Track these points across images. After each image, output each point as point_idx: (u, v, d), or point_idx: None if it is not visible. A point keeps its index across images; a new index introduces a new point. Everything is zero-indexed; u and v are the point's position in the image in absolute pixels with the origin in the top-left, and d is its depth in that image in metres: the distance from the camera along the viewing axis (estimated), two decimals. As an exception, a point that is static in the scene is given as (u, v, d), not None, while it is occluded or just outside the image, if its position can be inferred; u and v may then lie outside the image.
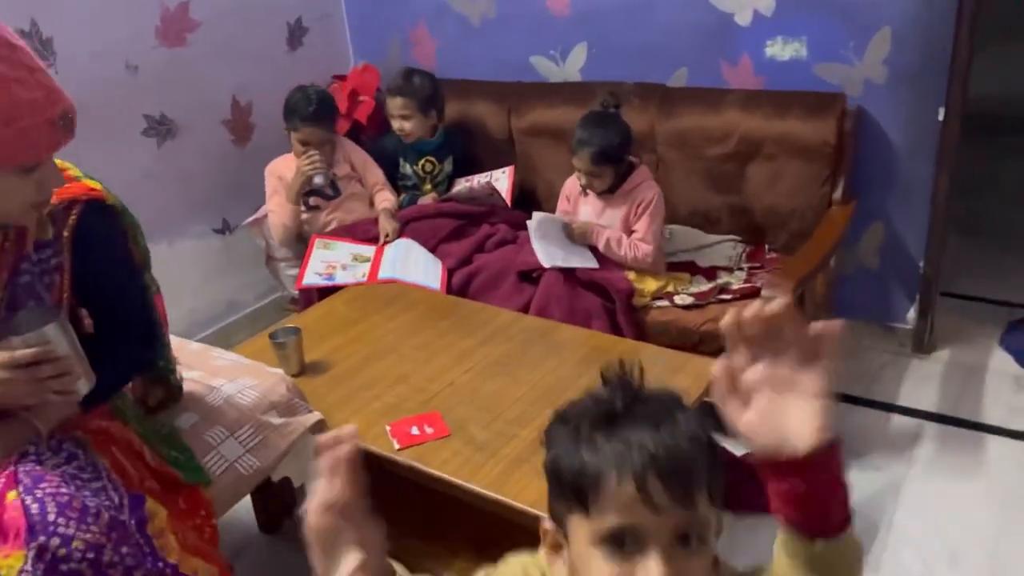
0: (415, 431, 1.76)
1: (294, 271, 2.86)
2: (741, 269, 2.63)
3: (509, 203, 2.95)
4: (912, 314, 2.82)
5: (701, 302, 2.42)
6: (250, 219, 3.00)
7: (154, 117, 2.87)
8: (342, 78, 3.45)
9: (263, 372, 1.79)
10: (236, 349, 2.15)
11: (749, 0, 2.67)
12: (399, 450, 1.71)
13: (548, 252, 2.47)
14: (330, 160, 2.88)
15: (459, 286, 2.62)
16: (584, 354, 2.04)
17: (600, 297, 2.43)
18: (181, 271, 3.06)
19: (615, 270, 2.48)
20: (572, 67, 3.10)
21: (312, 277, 2.61)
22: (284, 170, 2.85)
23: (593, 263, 2.50)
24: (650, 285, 2.50)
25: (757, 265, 2.64)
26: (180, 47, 2.91)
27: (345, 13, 3.55)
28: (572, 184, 2.62)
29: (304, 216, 2.90)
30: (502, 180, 3.02)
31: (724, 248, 2.74)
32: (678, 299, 2.46)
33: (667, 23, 2.84)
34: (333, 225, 2.91)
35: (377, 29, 3.51)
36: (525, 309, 2.48)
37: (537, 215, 2.58)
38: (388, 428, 1.77)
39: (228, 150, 3.16)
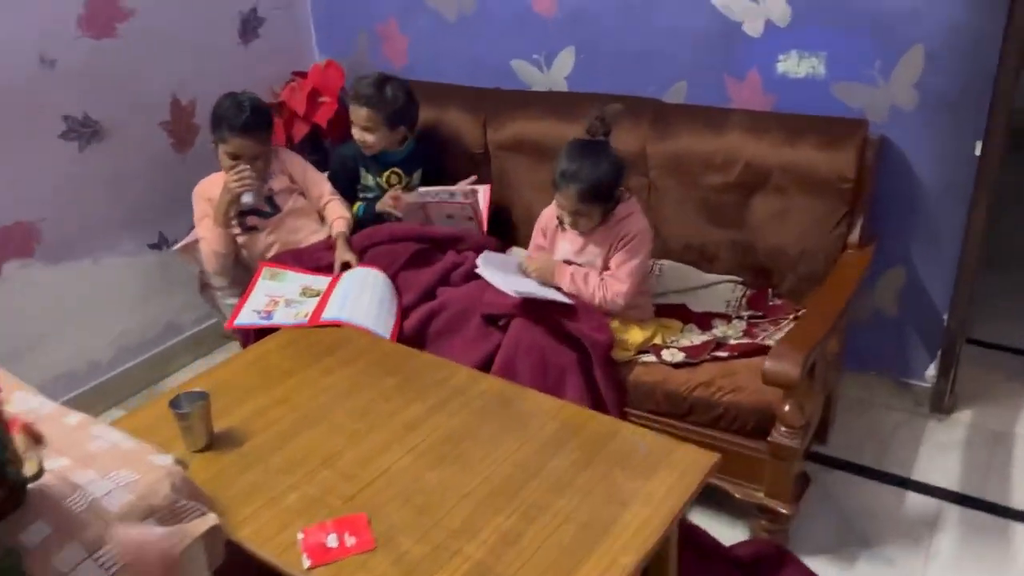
0: (332, 542, 1.42)
1: (233, 300, 2.51)
2: (740, 318, 2.29)
3: (484, 228, 2.60)
4: (932, 371, 2.49)
5: (693, 359, 2.08)
6: (180, 244, 2.64)
7: (75, 118, 2.50)
8: (303, 75, 3.09)
9: (145, 462, 1.44)
10: (130, 416, 1.82)
11: (761, 8, 2.32)
12: (310, 569, 1.38)
13: (515, 283, 2.13)
14: (263, 174, 2.52)
15: (417, 326, 2.27)
16: (552, 432, 1.70)
17: (576, 350, 2.09)
18: (108, 291, 2.71)
19: (596, 316, 2.13)
20: (558, 74, 2.74)
21: (248, 315, 2.25)
22: (214, 191, 2.49)
23: (559, 296, 2.15)
24: (635, 336, 2.16)
25: (759, 314, 2.30)
26: (108, 38, 2.54)
27: (309, 2, 3.18)
28: (549, 216, 2.27)
29: (241, 240, 2.55)
30: (478, 200, 2.66)
31: (722, 290, 2.40)
32: (666, 354, 2.12)
33: (666, 30, 2.48)
34: (275, 248, 2.56)
35: (343, 22, 3.14)
36: (490, 358, 2.15)
37: (482, 259, 2.25)
38: (300, 537, 1.43)
39: (167, 156, 2.80)
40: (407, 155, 2.68)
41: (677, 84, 2.53)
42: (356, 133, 2.61)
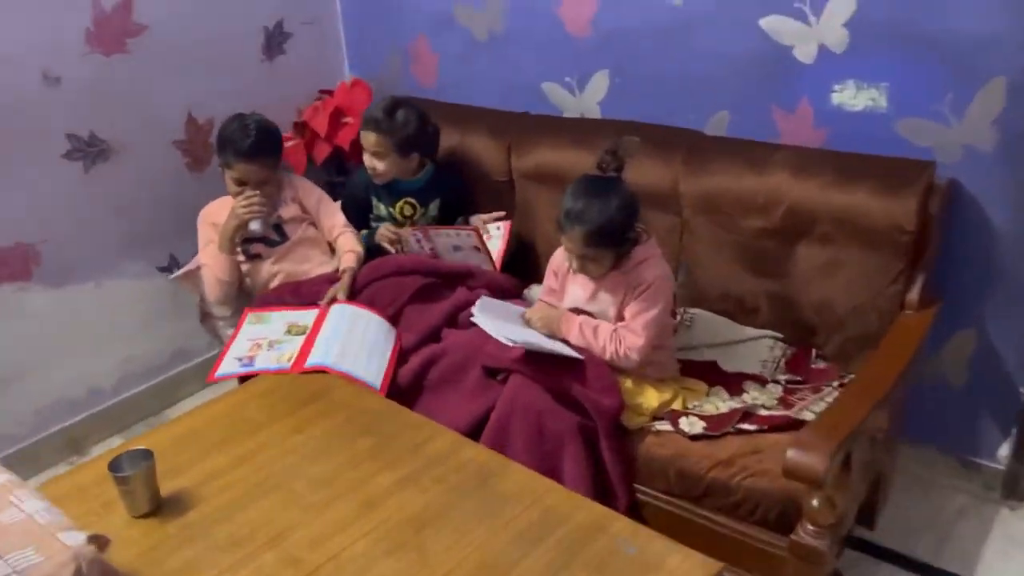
0: (250, 650, 1.23)
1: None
2: (776, 382, 2.01)
3: (498, 266, 2.40)
4: (1005, 450, 2.15)
5: (714, 433, 1.82)
6: (180, 271, 2.52)
7: (80, 137, 2.41)
8: (331, 94, 2.95)
9: (53, 541, 1.28)
10: (74, 472, 1.69)
11: (814, 31, 2.05)
12: None
13: (513, 332, 1.90)
14: (274, 201, 2.38)
15: (417, 371, 2.07)
16: (531, 521, 1.48)
17: (578, 414, 1.85)
18: (112, 315, 2.61)
19: (605, 376, 1.89)
20: (590, 99, 2.52)
21: (230, 364, 2.07)
22: (221, 216, 2.36)
23: (568, 350, 1.92)
24: (650, 399, 1.91)
25: (798, 379, 2.02)
26: (119, 54, 2.44)
27: (341, 17, 3.04)
28: (562, 256, 2.04)
29: (244, 268, 2.41)
30: (496, 238, 2.46)
31: (759, 347, 2.13)
32: (684, 423, 1.86)
33: (708, 54, 2.23)
34: (280, 278, 2.41)
35: (374, 38, 2.99)
36: (488, 415, 1.93)
37: (479, 305, 2.01)
38: (215, 640, 1.25)
39: (180, 175, 2.69)
40: (423, 184, 2.50)
41: (719, 114, 2.28)
42: (366, 159, 2.44)
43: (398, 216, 2.52)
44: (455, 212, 2.56)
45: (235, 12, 2.70)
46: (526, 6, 2.54)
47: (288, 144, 2.84)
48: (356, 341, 2.08)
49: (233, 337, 2.17)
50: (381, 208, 2.53)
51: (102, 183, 2.48)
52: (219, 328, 2.52)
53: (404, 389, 2.05)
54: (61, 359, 2.51)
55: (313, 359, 2.00)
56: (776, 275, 2.12)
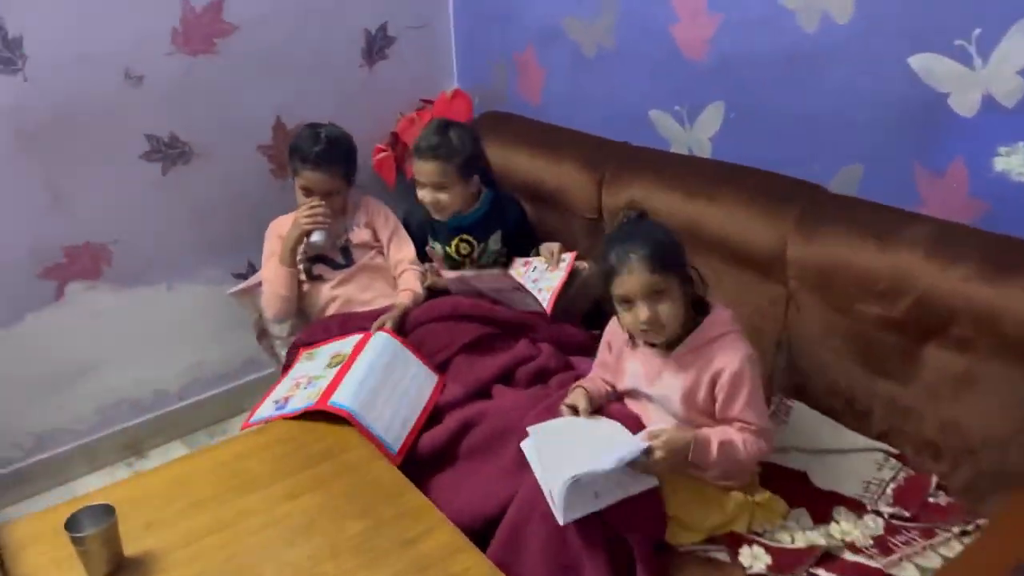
0: None
1: (292, 350, 2.25)
2: (878, 514, 1.60)
3: (549, 308, 2.07)
4: None
5: None
6: (238, 287, 2.42)
7: (160, 138, 2.35)
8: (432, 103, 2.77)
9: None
10: (32, 519, 1.59)
11: (979, 76, 1.60)
12: None
13: (567, 497, 1.46)
14: (344, 220, 2.26)
15: (448, 436, 1.83)
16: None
17: (612, 526, 1.54)
18: (183, 319, 2.57)
19: (647, 493, 1.54)
20: (701, 132, 2.17)
21: (267, 408, 1.91)
22: (287, 228, 2.24)
23: (652, 482, 1.54)
24: (709, 515, 1.56)
25: (907, 516, 1.60)
26: (206, 55, 2.36)
27: (452, 23, 2.84)
28: (618, 326, 1.72)
29: (304, 287, 2.27)
30: (560, 270, 2.15)
31: (865, 463, 1.72)
32: (746, 555, 1.51)
33: (843, 92, 1.83)
34: (337, 304, 2.25)
35: (483, 47, 2.77)
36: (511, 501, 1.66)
37: (535, 435, 1.62)
38: None
39: (265, 181, 2.60)
40: (481, 216, 2.25)
41: (849, 168, 1.87)
42: (426, 195, 2.20)
43: (454, 255, 2.29)
44: (518, 243, 2.29)
45: (335, 14, 2.56)
46: (639, 21, 2.22)
47: (379, 156, 2.70)
48: (388, 387, 1.87)
49: (280, 380, 2.03)
50: (437, 247, 2.31)
51: (180, 185, 2.43)
52: (276, 347, 2.41)
53: (433, 454, 1.82)
54: (128, 359, 2.50)
55: (338, 398, 1.79)
56: (896, 376, 1.70)
